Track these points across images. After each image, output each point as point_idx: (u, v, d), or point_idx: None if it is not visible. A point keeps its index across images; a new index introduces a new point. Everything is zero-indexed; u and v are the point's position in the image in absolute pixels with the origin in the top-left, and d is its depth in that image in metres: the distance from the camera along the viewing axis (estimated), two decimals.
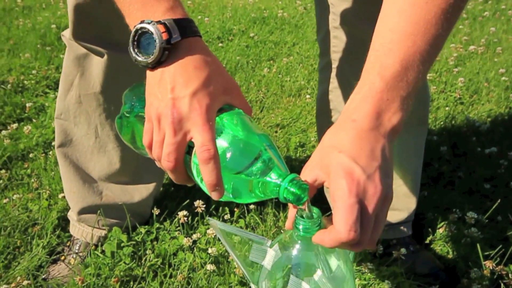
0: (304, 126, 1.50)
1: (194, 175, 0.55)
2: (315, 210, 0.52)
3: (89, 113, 0.89)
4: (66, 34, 0.84)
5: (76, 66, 0.85)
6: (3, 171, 1.17)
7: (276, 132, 1.47)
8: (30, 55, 1.95)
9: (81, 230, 0.96)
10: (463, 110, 1.58)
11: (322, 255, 0.53)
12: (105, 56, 0.83)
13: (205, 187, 0.53)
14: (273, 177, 0.51)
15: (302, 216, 0.51)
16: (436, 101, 1.65)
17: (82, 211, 0.94)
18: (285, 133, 1.46)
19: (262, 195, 0.53)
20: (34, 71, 1.80)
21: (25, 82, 1.71)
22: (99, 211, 0.94)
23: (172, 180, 0.56)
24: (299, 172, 0.53)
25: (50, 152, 1.24)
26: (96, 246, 0.95)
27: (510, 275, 0.89)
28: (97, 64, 0.84)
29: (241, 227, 1.00)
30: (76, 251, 0.94)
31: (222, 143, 0.52)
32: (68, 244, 0.97)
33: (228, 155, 0.52)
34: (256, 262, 0.56)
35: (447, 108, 1.58)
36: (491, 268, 0.87)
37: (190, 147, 0.53)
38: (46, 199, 1.08)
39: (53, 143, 1.31)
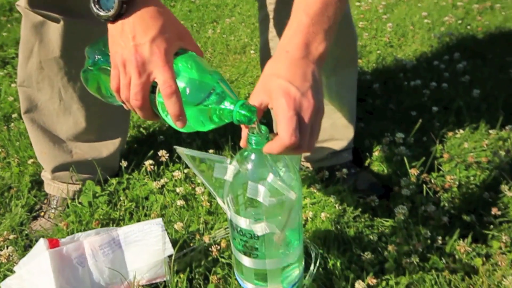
0: (251, 79, 1.60)
1: (160, 112, 0.64)
2: (263, 128, 0.63)
3: (51, 77, 0.95)
4: (21, 4, 0.88)
5: (34, 33, 0.90)
6: None
7: None
8: None
9: (57, 187, 1.03)
10: (392, 52, 1.73)
11: (272, 162, 0.64)
12: (61, 22, 0.88)
13: (170, 120, 0.63)
14: (226, 105, 0.61)
15: (253, 133, 0.62)
16: (368, 47, 1.79)
17: (55, 169, 1.01)
18: (233, 87, 1.55)
19: (219, 121, 0.63)
20: None
21: None
22: (71, 168, 1.01)
23: (139, 120, 0.65)
24: None
25: (12, 124, 1.28)
26: (73, 199, 1.02)
27: (432, 180, 1.06)
28: (54, 30, 0.89)
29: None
30: (55, 206, 1.02)
31: (180, 83, 0.61)
32: (45, 202, 1.04)
33: (187, 91, 0.61)
34: (219, 178, 0.66)
35: (378, 52, 1.72)
36: (416, 174, 1.03)
37: (153, 87, 0.62)
38: (16, 166, 1.13)
39: (13, 116, 1.35)
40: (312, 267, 0.81)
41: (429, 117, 1.30)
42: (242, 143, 0.66)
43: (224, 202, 0.69)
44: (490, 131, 1.22)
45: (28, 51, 0.93)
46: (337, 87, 1.06)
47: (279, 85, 0.60)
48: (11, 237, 0.92)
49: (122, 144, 1.08)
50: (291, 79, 0.60)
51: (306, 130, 0.60)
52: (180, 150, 0.68)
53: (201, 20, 2.15)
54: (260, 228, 0.65)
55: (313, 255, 0.83)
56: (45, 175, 1.05)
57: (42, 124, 0.99)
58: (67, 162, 1.01)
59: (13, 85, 1.52)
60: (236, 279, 0.77)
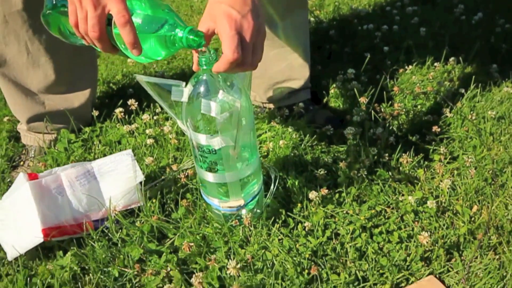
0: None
1: (118, 44, 0.70)
2: (212, 50, 0.70)
3: (16, 31, 0.99)
4: None
5: None
6: None
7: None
8: None
9: (33, 138, 1.08)
10: (348, 2, 1.79)
11: (222, 82, 0.71)
12: None
13: (126, 50, 0.69)
14: (177, 32, 0.67)
15: (203, 56, 0.69)
16: (327, 0, 1.85)
17: (30, 120, 1.06)
18: None
19: (172, 49, 0.70)
20: None
21: None
22: (45, 118, 1.07)
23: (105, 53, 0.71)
24: None
25: None
26: (49, 148, 1.08)
27: (382, 109, 1.14)
28: None
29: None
30: (33, 155, 1.08)
31: (136, 19, 0.67)
32: (23, 152, 1.10)
33: (142, 24, 0.67)
34: (176, 100, 0.73)
35: (336, 3, 1.79)
36: (365, 102, 1.11)
37: (109, 20, 0.68)
38: None
39: None
40: (272, 187, 0.89)
41: (381, 57, 1.38)
42: (194, 67, 0.72)
43: (183, 124, 0.76)
44: (436, 64, 1.31)
45: None
46: (291, 29, 1.12)
47: (222, 9, 0.67)
48: None
49: (92, 95, 1.13)
50: (232, 4, 0.67)
51: (249, 48, 0.67)
52: (140, 77, 0.74)
53: None
54: (216, 142, 0.72)
55: (272, 176, 0.91)
56: (21, 127, 1.10)
57: (13, 78, 1.04)
58: (41, 113, 1.06)
59: None
60: (203, 200, 0.85)
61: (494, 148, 1.01)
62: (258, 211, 0.86)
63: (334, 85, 1.26)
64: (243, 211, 0.82)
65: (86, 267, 0.79)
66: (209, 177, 0.78)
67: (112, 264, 0.79)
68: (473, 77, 1.20)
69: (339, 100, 1.23)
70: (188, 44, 0.67)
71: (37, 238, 0.78)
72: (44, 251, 0.81)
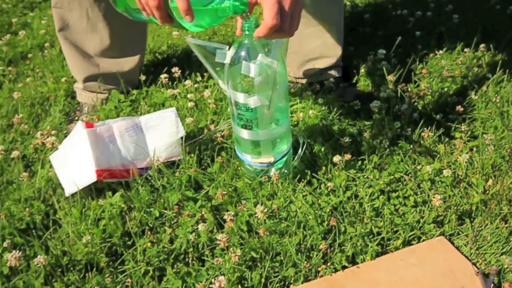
0: None
1: (173, 14, 0.78)
2: (254, 18, 0.76)
3: None
4: None
5: None
6: (10, 67, 1.37)
7: (232, 23, 1.69)
8: None
9: (87, 96, 1.19)
10: None
11: (261, 45, 0.78)
12: None
13: (181, 19, 0.76)
14: (226, 3, 0.75)
15: (246, 21, 0.76)
16: None
17: (86, 80, 1.17)
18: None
19: (221, 16, 0.77)
20: None
21: (3, 5, 1.85)
22: (99, 79, 1.17)
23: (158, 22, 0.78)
24: None
25: (46, 51, 1.43)
26: (101, 106, 1.18)
27: (409, 89, 1.19)
28: None
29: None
30: (86, 112, 1.18)
31: None
32: (78, 109, 1.20)
33: None
34: (220, 62, 0.81)
35: None
36: (393, 81, 1.16)
37: None
38: (52, 83, 1.30)
39: (45, 45, 1.50)
40: (300, 151, 0.96)
41: (412, 41, 1.42)
42: (238, 32, 0.79)
43: (224, 84, 0.83)
44: (466, 50, 1.34)
45: None
46: (327, 10, 1.18)
47: None
48: (53, 132, 1.08)
49: (140, 61, 1.23)
50: None
51: (287, 16, 0.73)
52: (189, 39, 0.82)
53: None
54: (253, 101, 0.80)
55: (301, 141, 0.98)
56: (78, 86, 1.20)
57: (74, 41, 1.14)
58: (95, 74, 1.16)
59: (43, 21, 1.67)
60: (237, 157, 0.93)
61: None
62: (286, 171, 0.93)
63: (364, 65, 1.31)
64: (272, 169, 0.90)
65: (132, 206, 0.88)
66: (244, 134, 0.86)
67: (154, 205, 0.88)
68: (501, 63, 1.23)
69: (368, 79, 1.28)
70: (234, 11, 0.74)
71: (92, 177, 0.88)
72: (96, 191, 0.91)
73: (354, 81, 1.31)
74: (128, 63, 1.20)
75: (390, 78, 1.16)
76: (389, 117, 1.08)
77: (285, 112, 0.87)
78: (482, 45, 1.34)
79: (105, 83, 1.18)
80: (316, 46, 1.22)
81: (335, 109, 1.12)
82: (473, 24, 1.48)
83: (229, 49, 0.80)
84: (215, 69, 0.84)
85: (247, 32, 0.76)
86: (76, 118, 1.18)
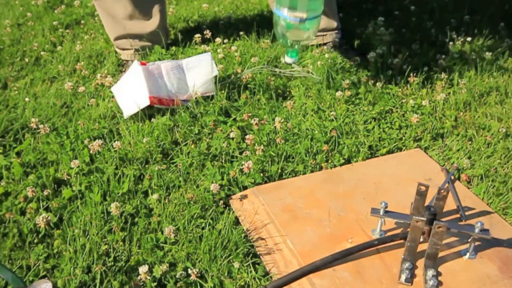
0: None
1: None
2: None
3: None
4: None
5: None
6: (68, 30, 1.61)
7: None
8: None
9: (126, 54, 1.42)
10: None
11: None
12: None
13: None
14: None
15: None
16: None
17: (116, 39, 1.40)
18: None
19: None
20: None
21: None
22: (127, 38, 1.40)
23: None
24: None
25: (96, 18, 1.68)
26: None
27: (399, 48, 1.41)
28: None
29: None
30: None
31: None
32: (124, 63, 1.44)
33: None
34: None
35: None
36: (389, 40, 1.37)
37: None
38: (104, 42, 1.53)
39: (95, 13, 1.74)
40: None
41: (408, 14, 1.63)
42: None
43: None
44: (452, 21, 1.55)
45: None
46: None
47: None
48: (109, 76, 1.32)
49: (161, 23, 1.42)
50: None
51: None
52: None
53: None
54: None
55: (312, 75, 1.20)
56: (114, 45, 1.44)
57: (105, 8, 1.37)
58: (123, 34, 1.39)
59: None
60: (274, 14, 1.11)
61: (486, 78, 1.25)
62: (313, 37, 1.10)
63: (366, 32, 1.53)
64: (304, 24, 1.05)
65: (177, 124, 1.11)
66: None
67: (193, 125, 1.11)
68: (482, 29, 1.44)
69: (369, 41, 1.50)
70: None
71: (146, 101, 1.11)
72: (148, 116, 1.14)
73: (355, 45, 1.53)
74: (149, 25, 1.41)
75: (385, 38, 1.37)
76: (384, 67, 1.30)
77: None
78: (467, 16, 1.55)
79: (133, 41, 1.40)
80: None
81: (338, 60, 1.34)
82: (460, 1, 1.69)
83: None
84: None
85: None
86: (124, 70, 1.41)
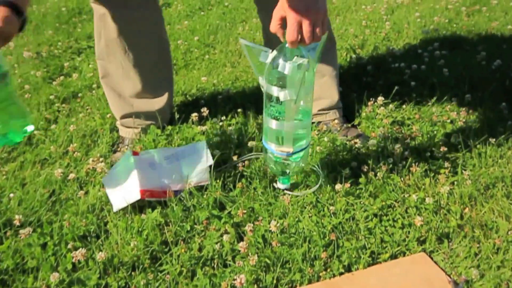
0: None
1: None
2: None
3: (115, 52, 1.30)
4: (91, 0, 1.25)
5: (100, 21, 1.26)
6: (64, 105, 1.58)
7: (251, 69, 1.90)
8: (52, 32, 2.32)
9: (126, 131, 1.38)
10: (388, 45, 2.03)
11: (297, 52, 0.94)
12: (113, 12, 1.24)
13: None
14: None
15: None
16: (369, 41, 2.10)
17: (122, 117, 1.37)
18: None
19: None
20: (59, 43, 2.18)
21: (55, 51, 2.10)
22: (133, 116, 1.36)
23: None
24: None
25: (94, 91, 1.65)
26: (139, 139, 1.37)
27: (403, 131, 1.36)
28: (111, 18, 1.24)
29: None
30: (127, 144, 1.38)
31: None
32: (120, 141, 1.40)
33: None
34: (262, 61, 0.96)
35: (376, 44, 2.03)
36: (388, 123, 1.33)
37: None
38: (99, 118, 1.50)
39: (93, 86, 1.72)
40: (318, 183, 1.13)
41: (408, 90, 1.60)
42: (282, 39, 0.96)
43: (263, 79, 0.98)
44: (453, 100, 1.52)
45: (98, 34, 1.29)
46: (323, 60, 1.38)
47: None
48: (100, 159, 1.28)
49: (168, 101, 1.41)
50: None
51: (307, 30, 0.89)
52: (242, 40, 0.97)
53: (233, 20, 2.50)
54: (283, 95, 0.95)
55: (321, 176, 1.15)
56: (118, 123, 1.40)
57: (113, 86, 1.34)
58: (130, 112, 1.36)
59: (90, 65, 1.91)
60: (263, 147, 1.08)
61: (490, 167, 1.20)
62: (302, 165, 1.10)
63: (366, 109, 1.49)
64: (291, 158, 1.05)
65: (168, 221, 1.05)
66: (273, 124, 1.00)
67: (186, 221, 1.05)
68: (484, 111, 1.40)
69: (369, 121, 1.46)
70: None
71: (137, 195, 1.06)
72: (139, 208, 1.09)
73: (356, 122, 1.49)
74: (157, 103, 1.39)
75: (386, 121, 1.33)
76: (384, 154, 1.25)
77: (308, 113, 1.03)
78: (467, 95, 1.51)
79: (139, 120, 1.37)
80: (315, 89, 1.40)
81: (339, 145, 1.30)
82: (462, 77, 1.66)
83: (271, 51, 0.96)
84: (258, 67, 0.99)
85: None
86: (119, 149, 1.37)
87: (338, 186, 1.11)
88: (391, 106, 1.50)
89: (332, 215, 1.06)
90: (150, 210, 1.09)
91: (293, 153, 1.04)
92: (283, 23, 0.94)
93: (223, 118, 1.46)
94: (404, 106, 1.52)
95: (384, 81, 1.68)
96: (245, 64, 1.95)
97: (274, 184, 1.14)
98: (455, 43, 1.97)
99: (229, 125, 1.42)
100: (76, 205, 1.10)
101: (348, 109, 1.50)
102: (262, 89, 1.02)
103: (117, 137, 1.43)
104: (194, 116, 1.41)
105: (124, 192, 1.08)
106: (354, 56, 1.88)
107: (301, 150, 1.06)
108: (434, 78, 1.64)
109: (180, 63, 1.98)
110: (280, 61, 0.93)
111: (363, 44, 2.05)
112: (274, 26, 0.95)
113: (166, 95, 1.42)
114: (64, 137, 1.38)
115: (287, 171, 1.09)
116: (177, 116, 1.42)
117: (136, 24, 1.27)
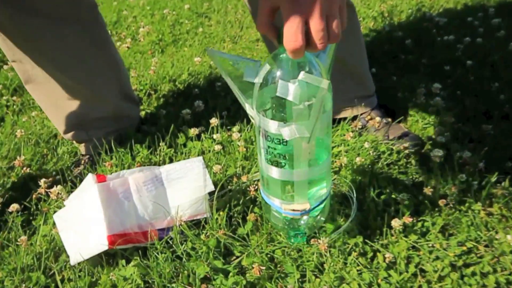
0: None
1: None
2: None
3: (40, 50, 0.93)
4: None
5: None
6: (14, 97, 1.23)
7: (257, 45, 1.54)
8: None
9: (85, 147, 1.04)
10: (425, 12, 1.66)
11: (303, 63, 0.59)
12: None
13: None
14: None
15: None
16: (399, 6, 1.73)
17: (67, 131, 1.02)
18: (264, 46, 1.53)
19: None
20: None
21: None
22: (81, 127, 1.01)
23: None
24: None
25: None
26: (99, 154, 1.01)
27: (467, 128, 1.02)
28: None
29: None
30: (82, 166, 1.01)
31: None
32: (81, 160, 1.05)
33: None
34: (249, 81, 0.61)
35: (409, 11, 1.66)
36: (451, 122, 0.99)
37: None
38: None
39: None
40: (352, 213, 0.79)
41: (463, 71, 1.26)
42: (276, 44, 0.60)
43: (252, 108, 0.64)
44: None
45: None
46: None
47: None
48: (58, 177, 0.94)
49: (123, 87, 1.05)
50: None
51: (317, 26, 0.55)
52: (211, 51, 0.62)
53: None
54: (288, 132, 0.61)
55: (354, 198, 0.81)
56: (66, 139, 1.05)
57: (44, 93, 0.98)
58: (74, 123, 1.01)
59: None
60: (261, 199, 0.75)
61: None
62: (322, 219, 0.76)
63: (412, 100, 1.15)
64: (305, 218, 0.73)
65: (150, 281, 0.73)
66: (274, 172, 0.67)
67: (176, 280, 0.73)
68: None
69: (417, 115, 1.12)
70: None
71: (103, 243, 0.73)
72: (107, 257, 0.76)
73: (399, 116, 1.15)
74: (106, 102, 1.03)
75: (449, 119, 0.99)
76: (450, 165, 0.92)
77: (327, 148, 0.69)
78: None
79: (87, 130, 1.01)
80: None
81: (384, 154, 0.96)
82: None
83: (261, 65, 0.61)
84: (242, 90, 0.65)
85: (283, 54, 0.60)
86: (83, 161, 1.02)
87: (395, 222, 0.78)
88: (442, 93, 1.16)
89: (389, 267, 0.74)
90: (123, 262, 0.76)
91: (311, 210, 0.70)
92: (277, 17, 0.58)
93: (225, 114, 1.12)
94: (458, 93, 1.18)
95: (428, 60, 1.33)
96: (248, 39, 1.59)
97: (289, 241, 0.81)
98: (510, 7, 1.60)
99: (233, 123, 1.07)
100: (17, 256, 0.77)
101: (384, 98, 1.15)
102: (253, 121, 0.67)
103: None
104: (186, 113, 1.07)
105: (86, 239, 0.75)
106: (384, 26, 1.52)
107: (322, 202, 0.72)
108: (494, 54, 1.29)
109: (167, 39, 1.61)
110: (278, 79, 0.58)
111: (392, 11, 1.68)
112: (262, 24, 0.58)
113: (115, 87, 1.05)
114: (10, 145, 1.04)
115: (301, 231, 0.76)
116: (163, 112, 1.08)
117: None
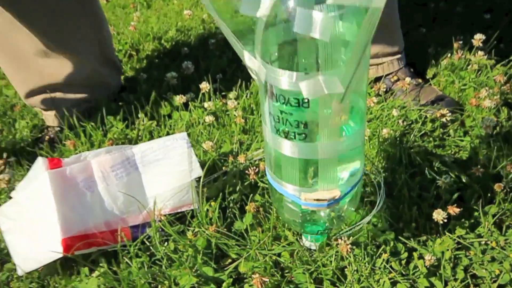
0: None
1: None
2: None
3: None
4: None
5: None
6: None
7: None
8: None
9: (46, 116, 0.85)
10: None
11: None
12: None
13: None
14: None
15: None
16: None
17: (29, 95, 0.84)
18: None
19: None
20: None
21: None
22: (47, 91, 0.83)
23: None
24: None
25: None
26: (70, 128, 0.84)
27: None
28: None
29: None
30: (45, 140, 0.84)
31: None
32: (46, 134, 0.87)
33: None
34: (249, 14, 0.42)
35: None
36: (502, 81, 0.80)
37: None
38: None
39: None
40: (378, 201, 0.62)
41: (506, 20, 1.05)
42: None
43: (255, 56, 0.45)
44: None
45: None
46: None
47: None
48: (13, 159, 0.77)
49: (102, 58, 0.88)
50: None
51: None
52: None
53: None
54: (312, 86, 0.42)
55: (381, 181, 0.64)
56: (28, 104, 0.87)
57: (6, 45, 0.80)
58: (40, 86, 0.83)
59: None
60: (269, 185, 0.57)
61: None
62: (352, 209, 0.59)
63: (447, 55, 0.95)
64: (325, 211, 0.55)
65: None
66: (288, 148, 0.48)
67: None
68: None
69: (453, 75, 0.93)
70: None
71: (56, 249, 0.56)
72: (65, 264, 0.60)
73: (431, 75, 0.96)
74: (82, 64, 0.85)
75: (499, 79, 0.80)
76: (499, 136, 0.74)
77: (362, 110, 0.50)
78: None
79: (64, 92, 0.83)
80: None
81: (416, 124, 0.78)
82: None
83: None
84: (239, 32, 0.47)
85: None
86: (47, 137, 0.85)
87: (438, 214, 0.60)
88: (484, 47, 0.96)
89: (431, 272, 0.57)
90: (86, 270, 0.60)
91: (341, 198, 0.51)
92: None
93: (219, 77, 0.93)
94: (502, 46, 0.98)
95: (464, 8, 1.12)
96: None
97: (300, 241, 0.62)
98: None
99: (230, 88, 0.89)
100: None
101: (412, 55, 0.96)
102: (254, 78, 0.48)
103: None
104: (171, 77, 0.88)
105: (35, 243, 0.58)
106: None
107: (354, 187, 0.53)
108: None
109: None
110: (298, 8, 0.38)
111: None
112: None
113: (95, 48, 0.87)
114: None
115: (324, 227, 0.57)
116: (144, 76, 0.89)
117: None
